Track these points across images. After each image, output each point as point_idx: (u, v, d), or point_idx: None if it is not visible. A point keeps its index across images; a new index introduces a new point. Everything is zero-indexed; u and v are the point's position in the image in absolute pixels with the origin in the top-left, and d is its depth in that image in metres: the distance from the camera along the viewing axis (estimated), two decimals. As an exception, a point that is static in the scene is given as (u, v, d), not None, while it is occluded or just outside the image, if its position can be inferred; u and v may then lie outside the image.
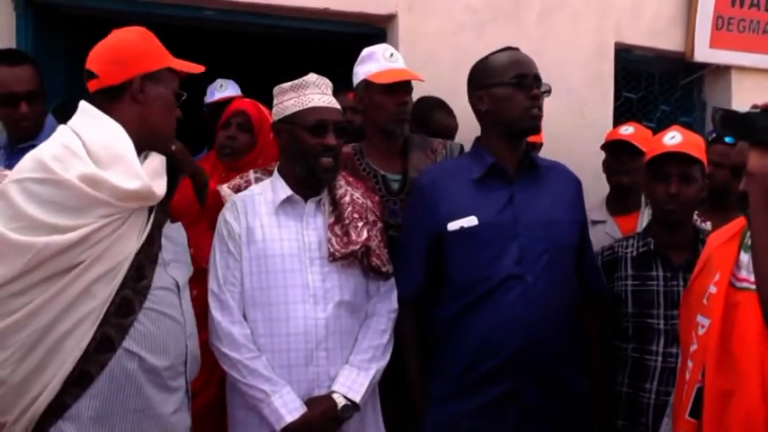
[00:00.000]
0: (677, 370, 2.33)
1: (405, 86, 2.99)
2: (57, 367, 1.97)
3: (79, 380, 2.02)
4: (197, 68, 2.32)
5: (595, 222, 3.53)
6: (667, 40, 4.56)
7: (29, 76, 3.10)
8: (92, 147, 2.04)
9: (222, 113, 3.58)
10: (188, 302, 2.32)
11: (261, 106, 3.48)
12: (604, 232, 3.45)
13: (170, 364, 2.17)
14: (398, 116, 2.97)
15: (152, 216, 2.15)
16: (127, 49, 2.20)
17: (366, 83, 2.99)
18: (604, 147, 3.64)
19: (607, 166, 3.67)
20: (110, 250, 2.02)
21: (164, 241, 2.23)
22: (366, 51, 3.08)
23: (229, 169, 3.25)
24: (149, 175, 2.09)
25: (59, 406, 2.01)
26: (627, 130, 3.54)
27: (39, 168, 1.97)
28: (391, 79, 2.93)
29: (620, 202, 3.60)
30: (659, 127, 4.15)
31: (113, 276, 2.02)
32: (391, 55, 3.03)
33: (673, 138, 2.73)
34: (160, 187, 2.13)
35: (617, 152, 3.53)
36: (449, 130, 3.64)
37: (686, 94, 4.88)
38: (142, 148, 2.15)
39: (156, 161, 2.18)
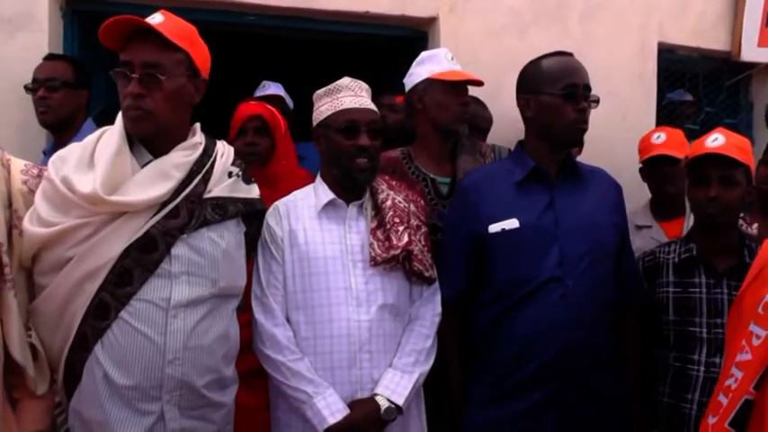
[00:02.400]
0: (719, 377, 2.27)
1: (465, 88, 3.04)
2: (64, 354, 2.12)
3: (71, 371, 2.12)
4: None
5: (640, 227, 3.51)
6: (713, 39, 4.47)
7: (53, 67, 3.33)
8: (97, 148, 2.14)
9: None
10: (185, 323, 2.15)
11: (270, 107, 3.44)
12: (650, 237, 3.42)
13: (134, 384, 2.09)
14: (461, 115, 3.03)
15: (152, 221, 2.12)
16: None
17: (428, 82, 3.03)
18: (645, 162, 3.60)
19: (650, 178, 3.63)
20: (93, 251, 2.06)
21: (182, 251, 2.17)
22: (427, 53, 3.15)
23: (258, 176, 3.17)
24: (141, 178, 2.12)
25: (68, 390, 2.15)
26: (659, 139, 3.48)
27: (48, 167, 2.14)
28: (458, 77, 2.99)
29: (665, 208, 3.56)
30: (704, 129, 4.08)
31: (95, 277, 2.07)
32: (452, 58, 3.09)
33: (715, 140, 2.66)
34: (142, 194, 2.10)
35: (656, 164, 3.49)
36: (481, 119, 3.65)
37: (732, 94, 4.78)
38: (153, 140, 2.20)
39: (162, 164, 2.17)
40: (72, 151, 2.17)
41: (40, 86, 3.28)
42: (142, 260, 2.10)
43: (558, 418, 2.54)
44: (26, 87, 3.32)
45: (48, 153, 3.37)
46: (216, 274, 2.23)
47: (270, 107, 3.42)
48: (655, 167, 3.54)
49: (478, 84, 3.06)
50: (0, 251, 2.04)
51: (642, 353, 2.78)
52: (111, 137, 2.15)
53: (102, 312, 2.07)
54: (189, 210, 2.18)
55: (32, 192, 2.15)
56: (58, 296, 2.09)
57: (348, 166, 2.56)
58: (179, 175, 2.17)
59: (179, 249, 2.16)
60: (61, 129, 3.36)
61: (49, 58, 3.37)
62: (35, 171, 2.22)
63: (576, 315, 2.52)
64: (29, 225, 2.08)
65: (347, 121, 2.55)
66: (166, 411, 2.14)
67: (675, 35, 4.36)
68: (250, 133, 3.27)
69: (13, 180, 2.15)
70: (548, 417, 2.54)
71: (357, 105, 2.60)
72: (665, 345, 2.75)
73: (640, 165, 3.67)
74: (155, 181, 2.13)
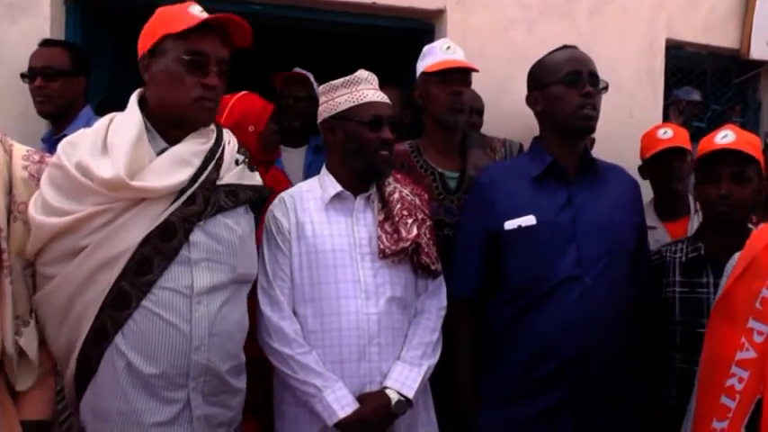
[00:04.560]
0: (697, 374, 2.25)
1: (459, 77, 2.99)
2: (75, 347, 2.08)
3: (85, 366, 2.09)
4: (196, 19, 2.15)
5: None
6: (722, 36, 4.44)
7: (50, 54, 3.26)
8: (109, 134, 2.12)
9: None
10: (208, 309, 2.16)
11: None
12: (655, 239, 3.29)
13: (160, 372, 2.09)
14: (452, 105, 2.97)
15: (171, 208, 2.11)
16: (140, 35, 2.24)
17: (423, 76, 3.03)
18: (651, 158, 3.49)
19: (656, 175, 3.53)
20: (110, 239, 2.04)
21: (200, 238, 2.17)
22: (427, 47, 3.12)
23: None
24: (163, 164, 2.11)
25: (80, 383, 2.12)
26: (666, 134, 3.41)
27: (57, 154, 2.10)
28: (442, 67, 2.95)
29: (669, 208, 3.47)
30: (710, 128, 4.05)
31: (113, 266, 2.05)
32: (448, 48, 3.05)
33: (725, 137, 2.61)
34: (168, 179, 2.10)
35: (664, 159, 3.42)
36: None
37: (739, 92, 4.74)
38: (176, 126, 2.19)
39: (186, 148, 2.18)
40: (83, 137, 2.14)
41: (36, 75, 3.22)
42: (162, 248, 2.09)
43: (576, 420, 2.51)
44: (23, 75, 3.26)
45: (46, 140, 3.34)
46: (234, 260, 2.25)
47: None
48: (662, 162, 3.46)
49: (471, 71, 3.02)
50: None
51: (651, 354, 2.75)
52: (128, 123, 2.13)
53: (122, 302, 2.06)
54: (205, 197, 2.18)
55: (33, 177, 2.14)
56: (68, 287, 2.06)
57: (372, 158, 2.55)
58: (197, 163, 2.18)
59: (197, 236, 2.16)
60: (59, 117, 3.30)
61: (45, 44, 3.30)
62: (36, 157, 2.20)
63: (594, 315, 2.49)
64: (36, 214, 2.04)
65: (373, 115, 2.54)
66: (192, 399, 2.15)
67: (684, 32, 4.33)
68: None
69: (14, 165, 2.13)
70: (565, 419, 2.51)
71: (379, 99, 2.59)
72: (672, 345, 2.71)
73: (642, 162, 3.58)
74: (174, 168, 2.13)
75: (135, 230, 2.06)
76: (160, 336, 2.08)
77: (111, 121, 2.17)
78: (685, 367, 2.64)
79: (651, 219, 3.48)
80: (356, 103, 2.55)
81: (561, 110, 2.60)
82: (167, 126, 2.19)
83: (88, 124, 3.16)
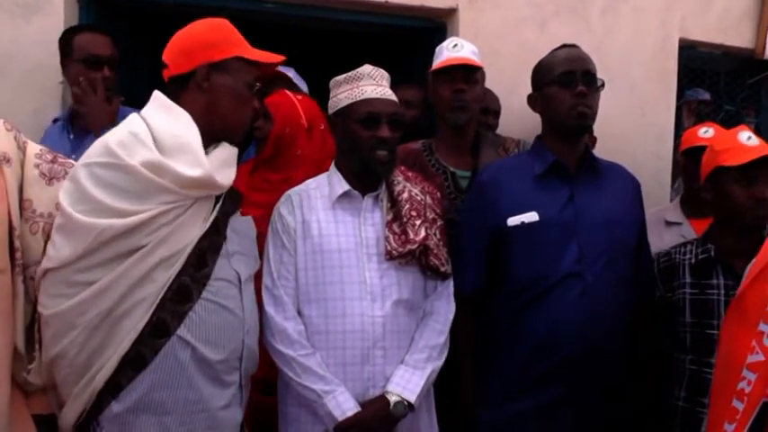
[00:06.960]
0: (712, 379, 2.27)
1: (463, 75, 2.97)
2: (114, 347, 2.03)
3: (134, 362, 2.05)
4: (272, 57, 2.31)
5: (671, 223, 3.44)
6: (736, 36, 4.39)
7: (110, 43, 3.21)
8: (159, 134, 2.09)
9: None
10: (250, 296, 2.30)
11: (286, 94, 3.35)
12: (680, 235, 3.30)
13: (224, 357, 2.16)
14: (453, 103, 2.97)
15: (218, 205, 2.17)
16: (194, 38, 2.24)
17: (431, 75, 3.04)
18: (684, 153, 3.47)
19: (688, 172, 3.49)
20: (172, 236, 2.05)
21: (230, 233, 2.23)
22: (438, 47, 3.11)
23: (269, 165, 3.17)
24: (215, 164, 2.12)
25: (115, 386, 2.05)
26: (707, 133, 3.39)
27: (105, 153, 2.05)
28: (444, 64, 2.96)
29: (697, 205, 3.40)
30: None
31: (173, 262, 2.06)
32: (455, 46, 3.04)
33: (750, 138, 2.59)
34: (226, 177, 2.16)
35: (698, 155, 3.37)
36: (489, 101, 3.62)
37: (753, 93, 4.68)
38: (211, 138, 2.18)
39: (226, 152, 2.21)
40: (135, 138, 2.08)
41: (102, 64, 3.11)
42: (213, 242, 2.17)
43: (576, 415, 2.52)
44: (84, 61, 3.12)
45: (61, 119, 3.24)
46: (256, 252, 2.41)
47: (285, 93, 3.35)
48: (695, 159, 3.42)
49: (475, 68, 3.01)
50: (14, 236, 2.02)
51: (654, 355, 2.76)
52: (185, 123, 2.14)
53: (184, 296, 2.09)
54: (229, 194, 2.25)
55: (44, 176, 2.15)
56: (119, 287, 2.01)
57: (367, 157, 2.51)
58: (234, 165, 2.24)
59: (229, 231, 2.25)
60: None
61: (96, 29, 3.22)
62: (49, 156, 2.20)
63: (595, 311, 2.51)
64: (85, 217, 1.99)
65: (368, 113, 2.50)
66: (243, 380, 2.29)
67: (697, 31, 4.29)
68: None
69: (27, 163, 2.14)
70: (565, 413, 2.53)
71: (378, 96, 2.54)
72: (681, 347, 2.69)
73: (680, 157, 3.58)
74: (225, 168, 2.19)
75: (193, 227, 2.11)
76: (222, 324, 2.16)
77: (144, 121, 2.14)
78: (695, 369, 2.63)
79: (677, 215, 3.50)
80: (354, 100, 2.53)
81: (556, 110, 2.65)
82: (203, 133, 2.18)
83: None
